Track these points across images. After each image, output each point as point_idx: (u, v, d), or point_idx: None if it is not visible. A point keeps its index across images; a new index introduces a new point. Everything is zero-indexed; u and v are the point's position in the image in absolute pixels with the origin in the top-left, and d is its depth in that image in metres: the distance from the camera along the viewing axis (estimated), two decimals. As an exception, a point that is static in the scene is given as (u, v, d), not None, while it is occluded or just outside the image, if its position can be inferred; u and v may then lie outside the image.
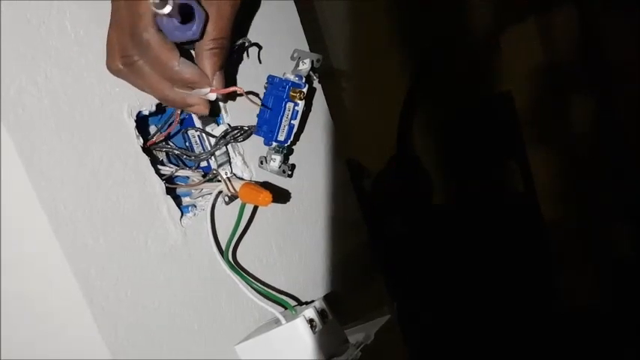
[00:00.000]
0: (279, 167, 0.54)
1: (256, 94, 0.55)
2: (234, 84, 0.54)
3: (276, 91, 0.53)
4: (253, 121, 0.54)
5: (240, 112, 0.55)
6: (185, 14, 0.43)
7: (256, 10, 0.57)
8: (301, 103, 0.53)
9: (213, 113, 0.53)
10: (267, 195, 0.48)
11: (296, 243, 0.60)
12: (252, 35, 0.55)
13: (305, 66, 0.54)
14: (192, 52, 0.48)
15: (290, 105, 0.53)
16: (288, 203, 0.59)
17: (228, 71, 0.54)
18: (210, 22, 0.46)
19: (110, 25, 0.45)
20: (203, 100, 0.47)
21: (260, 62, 0.57)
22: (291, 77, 0.53)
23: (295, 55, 0.55)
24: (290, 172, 0.56)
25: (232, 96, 0.54)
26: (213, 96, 0.47)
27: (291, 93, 0.52)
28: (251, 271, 0.55)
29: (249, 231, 0.55)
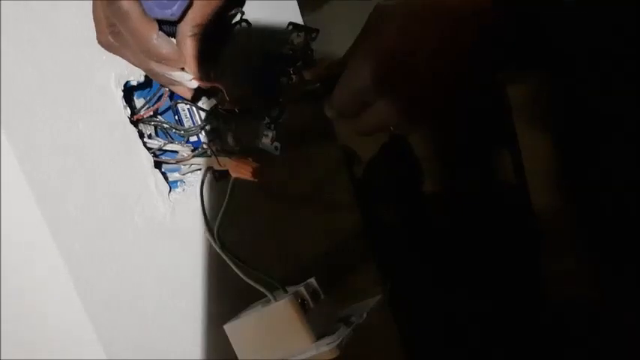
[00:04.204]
0: (271, 143, 0.53)
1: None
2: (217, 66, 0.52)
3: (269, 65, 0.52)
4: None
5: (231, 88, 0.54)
6: None
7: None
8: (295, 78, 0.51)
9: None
10: (256, 168, 0.46)
11: (288, 224, 0.59)
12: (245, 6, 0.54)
13: (299, 39, 0.53)
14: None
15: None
16: (281, 184, 0.58)
17: (217, 48, 0.53)
18: (196, 7, 0.44)
19: None
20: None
21: (250, 40, 0.55)
22: (286, 51, 0.52)
23: (290, 28, 0.54)
24: (279, 147, 0.54)
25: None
26: (194, 84, 0.46)
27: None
28: (241, 250, 0.53)
29: (240, 210, 0.53)
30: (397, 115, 0.48)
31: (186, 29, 0.45)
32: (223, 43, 0.54)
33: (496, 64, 0.49)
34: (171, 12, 0.43)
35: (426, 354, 0.99)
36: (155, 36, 0.43)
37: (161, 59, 0.44)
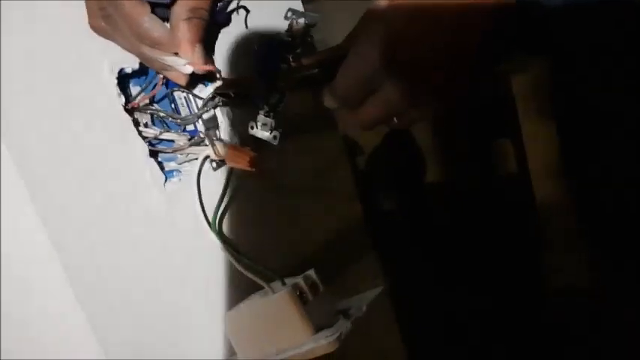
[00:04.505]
0: (270, 132, 0.52)
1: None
2: (213, 51, 0.51)
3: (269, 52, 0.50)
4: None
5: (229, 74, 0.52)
6: None
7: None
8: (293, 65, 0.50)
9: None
10: (254, 157, 0.45)
11: (287, 214, 0.58)
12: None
13: (299, 26, 0.51)
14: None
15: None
16: (280, 174, 0.57)
17: (214, 33, 0.52)
18: None
19: None
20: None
21: (247, 27, 0.54)
22: (284, 37, 0.50)
23: (289, 15, 0.52)
24: (278, 136, 0.53)
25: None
26: (189, 69, 0.45)
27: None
28: (239, 241, 0.52)
29: (237, 200, 0.52)
30: (403, 100, 0.46)
31: (181, 12, 0.43)
32: (219, 27, 0.53)
33: (498, 57, 0.48)
34: None
35: (426, 345, 0.99)
36: (146, 18, 0.42)
37: (153, 43, 0.43)
